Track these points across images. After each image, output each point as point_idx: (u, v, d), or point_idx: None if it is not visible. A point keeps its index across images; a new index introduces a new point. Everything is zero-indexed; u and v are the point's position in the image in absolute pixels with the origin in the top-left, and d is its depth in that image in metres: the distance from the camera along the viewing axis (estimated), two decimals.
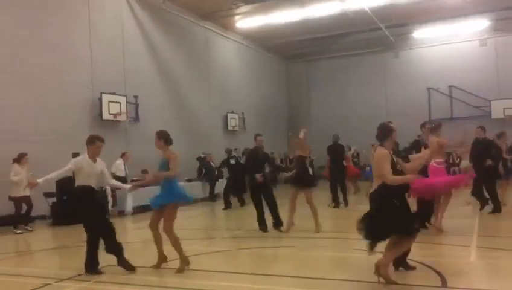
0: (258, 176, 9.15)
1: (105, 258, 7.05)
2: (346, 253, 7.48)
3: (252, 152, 9.87)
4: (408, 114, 21.77)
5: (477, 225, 9.01)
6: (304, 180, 9.12)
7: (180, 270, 6.33)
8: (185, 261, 6.44)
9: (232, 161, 15.24)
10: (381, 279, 5.01)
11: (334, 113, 25.98)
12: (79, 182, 6.69)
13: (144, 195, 14.33)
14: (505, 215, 10.51)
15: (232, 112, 21.97)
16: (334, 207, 12.95)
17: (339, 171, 13.34)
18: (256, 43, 24.61)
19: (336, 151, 13.44)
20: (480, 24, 22.25)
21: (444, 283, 5.08)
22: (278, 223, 9.31)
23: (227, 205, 14.26)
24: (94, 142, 6.80)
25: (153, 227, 6.67)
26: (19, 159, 10.57)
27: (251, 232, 9.52)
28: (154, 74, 17.62)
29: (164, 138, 6.67)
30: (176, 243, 6.44)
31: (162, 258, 6.66)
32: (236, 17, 20.65)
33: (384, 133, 5.16)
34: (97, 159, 6.85)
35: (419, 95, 24.12)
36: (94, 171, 6.78)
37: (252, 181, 9.43)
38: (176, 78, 18.75)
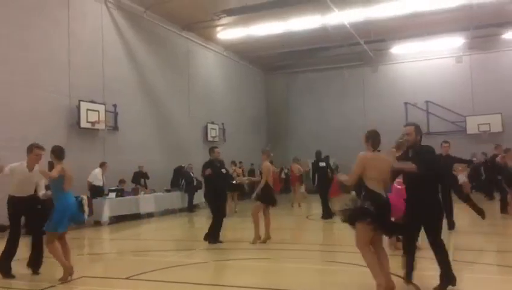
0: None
1: (82, 270, 6.89)
2: (322, 265, 7.49)
3: (207, 165, 9.73)
4: (385, 128, 22.06)
5: (453, 239, 9.14)
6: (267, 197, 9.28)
7: (63, 279, 6.30)
8: (67, 270, 6.39)
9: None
10: None
11: (313, 126, 26.21)
12: (11, 188, 6.77)
13: (121, 205, 14.23)
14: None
15: (212, 123, 21.93)
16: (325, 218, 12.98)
17: (325, 185, 13.54)
18: (237, 55, 24.72)
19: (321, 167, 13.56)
20: (456, 41, 22.85)
21: None
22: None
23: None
24: (32, 150, 6.76)
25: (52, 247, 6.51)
26: None
27: (231, 244, 9.47)
28: (134, 83, 17.49)
29: (54, 153, 6.53)
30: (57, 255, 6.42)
31: (68, 270, 6.46)
32: (218, 28, 20.72)
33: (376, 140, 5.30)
34: (35, 169, 6.79)
35: (397, 110, 24.54)
36: (27, 179, 6.76)
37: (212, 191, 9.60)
38: (156, 87, 18.64)
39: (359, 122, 24.04)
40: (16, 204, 6.74)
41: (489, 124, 22.72)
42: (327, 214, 12.96)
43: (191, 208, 16.58)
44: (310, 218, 13.64)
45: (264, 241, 9.20)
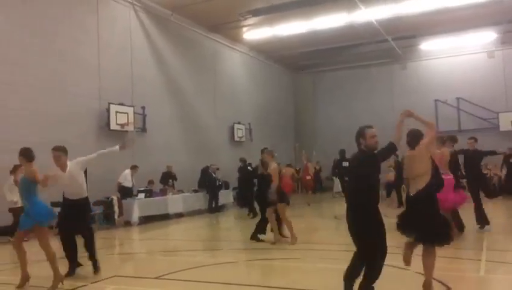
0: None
1: (113, 269, 7.03)
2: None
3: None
4: (415, 126, 21.68)
5: (486, 238, 8.89)
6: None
7: (53, 288, 6.08)
8: (58, 278, 6.15)
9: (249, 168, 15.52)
10: None
11: (340, 124, 25.90)
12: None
13: (150, 205, 14.44)
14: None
15: (239, 123, 22.00)
16: None
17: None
18: (263, 55, 24.72)
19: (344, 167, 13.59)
20: (487, 36, 22.21)
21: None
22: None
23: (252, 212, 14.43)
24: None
25: (16, 245, 6.35)
26: (14, 170, 10.46)
27: (258, 244, 9.47)
28: (162, 85, 17.72)
29: (23, 155, 6.28)
30: (52, 259, 6.12)
31: (25, 278, 6.28)
32: (244, 29, 20.78)
33: (415, 138, 5.31)
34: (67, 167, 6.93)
35: (427, 107, 23.95)
36: (63, 180, 6.85)
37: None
38: (183, 89, 18.83)
39: (388, 120, 23.52)
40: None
41: None
42: None
43: (212, 209, 16.59)
44: (338, 217, 13.51)
45: (275, 243, 9.17)
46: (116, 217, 13.59)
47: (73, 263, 6.95)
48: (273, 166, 9.37)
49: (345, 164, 13.46)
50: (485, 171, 12.92)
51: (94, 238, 7.19)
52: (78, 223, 6.98)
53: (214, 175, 17.06)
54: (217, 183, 17.03)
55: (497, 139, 21.06)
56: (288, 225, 9.24)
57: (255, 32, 20.77)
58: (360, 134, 4.87)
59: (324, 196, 22.04)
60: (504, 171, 18.65)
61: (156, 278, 6.71)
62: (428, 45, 23.60)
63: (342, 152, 13.75)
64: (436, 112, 24.15)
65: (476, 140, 10.29)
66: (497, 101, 22.73)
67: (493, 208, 14.24)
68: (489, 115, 22.88)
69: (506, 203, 16.10)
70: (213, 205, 16.72)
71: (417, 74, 24.94)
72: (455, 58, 23.92)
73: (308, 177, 18.56)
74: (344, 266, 7.36)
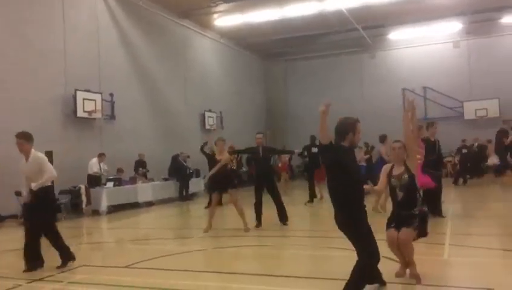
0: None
1: (81, 259, 6.92)
2: (321, 251, 7.52)
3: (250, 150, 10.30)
4: (383, 114, 22.13)
5: (450, 223, 9.19)
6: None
7: None
8: None
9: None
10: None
11: (312, 113, 25.98)
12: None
13: (119, 194, 14.25)
14: (477, 215, 10.80)
15: (210, 111, 21.86)
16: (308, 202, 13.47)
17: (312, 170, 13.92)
18: (235, 42, 24.55)
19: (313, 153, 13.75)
20: (453, 26, 22.72)
21: (419, 280, 5.15)
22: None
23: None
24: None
25: None
26: None
27: (229, 231, 9.51)
28: (131, 71, 17.38)
29: None
30: None
31: None
32: (215, 16, 20.54)
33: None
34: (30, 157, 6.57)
35: (394, 96, 24.46)
36: (23, 168, 6.63)
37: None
38: (153, 75, 18.53)
39: (358, 108, 23.96)
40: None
41: (486, 109, 22.71)
42: (311, 198, 13.55)
43: (183, 197, 16.53)
44: (308, 205, 13.68)
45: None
46: (83, 206, 13.36)
47: (33, 256, 6.48)
48: (226, 156, 9.47)
49: (314, 149, 13.66)
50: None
51: (58, 236, 6.74)
52: (37, 215, 6.53)
53: (184, 163, 16.94)
54: (188, 171, 16.93)
55: (462, 127, 21.76)
56: (240, 212, 9.31)
57: (226, 19, 20.58)
58: (352, 127, 4.49)
59: (296, 183, 22.25)
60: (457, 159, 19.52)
61: (126, 267, 6.64)
62: (396, 35, 23.97)
63: (313, 138, 13.90)
64: (403, 100, 24.59)
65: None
66: (462, 90, 23.36)
67: (456, 194, 14.72)
68: (455, 103, 23.51)
69: (469, 189, 16.65)
70: (184, 193, 16.64)
71: (386, 63, 25.34)
72: (422, 47, 24.40)
73: (280, 165, 18.68)
74: (314, 251, 7.51)
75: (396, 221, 5.17)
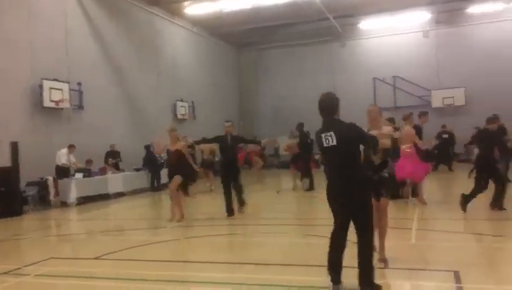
0: None
1: (49, 251, 6.79)
2: (296, 239, 7.60)
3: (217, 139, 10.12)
4: (354, 103, 22.36)
5: (417, 208, 9.41)
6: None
7: None
8: None
9: None
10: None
11: (284, 102, 26.21)
12: None
13: (89, 185, 13.99)
14: (444, 200, 11.09)
15: (182, 100, 21.63)
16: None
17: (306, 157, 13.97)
18: (207, 31, 24.28)
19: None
20: (422, 16, 23.07)
21: (386, 264, 5.27)
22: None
23: None
24: None
25: None
26: None
27: (201, 221, 9.49)
28: (100, 59, 16.97)
29: None
30: None
31: None
32: (185, 3, 20.24)
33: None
34: None
35: (365, 85, 24.78)
36: None
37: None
38: (123, 64, 18.16)
39: None
40: None
41: (453, 97, 23.24)
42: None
43: (154, 187, 16.39)
44: (281, 193, 13.76)
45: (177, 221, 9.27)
46: (51, 197, 13.07)
47: None
48: (181, 144, 9.50)
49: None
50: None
51: None
52: None
53: (155, 153, 16.75)
54: (159, 162, 16.75)
55: (430, 115, 22.11)
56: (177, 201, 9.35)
57: (197, 7, 20.29)
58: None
59: (268, 172, 22.34)
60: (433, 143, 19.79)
61: (96, 258, 6.54)
62: (367, 24, 24.19)
63: (301, 125, 14.03)
64: (374, 89, 24.98)
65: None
66: (430, 79, 23.81)
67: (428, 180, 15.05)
68: (423, 92, 23.97)
69: (437, 175, 17.06)
70: (155, 184, 16.48)
71: (356, 52, 25.57)
72: (392, 37, 24.70)
73: (249, 150, 18.62)
74: (285, 239, 7.57)
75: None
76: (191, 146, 11.42)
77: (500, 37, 22.64)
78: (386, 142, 5.21)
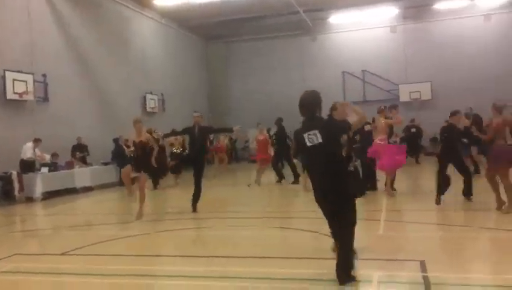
0: None
1: (14, 247, 6.59)
2: (262, 231, 7.63)
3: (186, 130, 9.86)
4: (323, 97, 22.54)
5: (385, 200, 9.61)
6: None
7: None
8: None
9: None
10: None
11: (254, 94, 26.22)
12: None
13: (55, 180, 13.64)
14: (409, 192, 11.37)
15: (151, 93, 21.31)
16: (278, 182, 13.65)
17: (283, 151, 13.84)
18: (176, 23, 23.95)
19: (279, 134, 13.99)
20: (390, 11, 23.45)
21: (355, 254, 5.35)
22: None
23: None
24: None
25: None
26: None
27: (172, 215, 9.41)
28: (65, 50, 16.49)
29: None
30: None
31: None
32: None
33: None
34: None
35: (335, 79, 25.02)
36: None
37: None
38: (90, 56, 17.70)
39: (299, 91, 24.23)
40: None
41: (420, 92, 23.77)
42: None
43: (122, 181, 16.08)
44: (251, 187, 13.79)
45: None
46: (16, 193, 12.68)
47: None
48: (146, 136, 9.25)
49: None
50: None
51: None
52: None
53: (124, 147, 16.46)
54: (128, 155, 16.45)
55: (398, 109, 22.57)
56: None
57: None
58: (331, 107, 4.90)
59: (239, 166, 22.36)
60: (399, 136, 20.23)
61: (62, 254, 6.40)
62: (336, 18, 24.39)
63: (279, 120, 14.05)
64: (343, 83, 25.28)
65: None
66: (398, 73, 24.27)
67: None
68: (391, 86, 24.42)
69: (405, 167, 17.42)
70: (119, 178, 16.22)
71: (326, 47, 25.77)
72: (361, 31, 25.00)
73: (219, 145, 18.56)
74: (255, 232, 7.59)
75: None
76: (158, 140, 11.09)
77: (464, 32, 23.27)
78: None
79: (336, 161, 4.52)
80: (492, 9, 22.87)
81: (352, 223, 4.56)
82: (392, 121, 10.39)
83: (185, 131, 9.93)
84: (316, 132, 4.45)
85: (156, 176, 12.37)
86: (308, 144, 4.48)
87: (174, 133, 11.85)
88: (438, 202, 8.60)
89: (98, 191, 14.91)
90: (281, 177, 13.86)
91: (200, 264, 5.70)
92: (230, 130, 11.12)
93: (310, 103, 4.63)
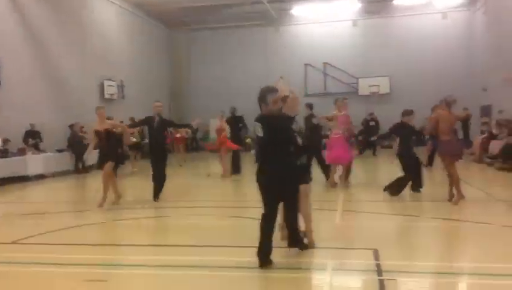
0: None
1: None
2: (224, 221, 7.64)
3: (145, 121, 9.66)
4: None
5: (343, 191, 9.82)
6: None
7: None
8: None
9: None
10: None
11: (217, 83, 26.06)
12: None
13: (5, 167, 13.11)
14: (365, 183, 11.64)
15: (110, 80, 20.75)
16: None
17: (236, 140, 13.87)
18: (138, 8, 23.36)
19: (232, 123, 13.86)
20: (353, 5, 23.79)
21: (312, 245, 5.46)
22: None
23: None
24: None
25: None
26: None
27: (129, 204, 9.25)
28: (19, 33, 15.75)
29: None
30: None
31: None
32: None
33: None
34: None
35: (297, 70, 25.19)
36: None
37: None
38: (46, 39, 16.99)
39: (262, 81, 24.24)
40: None
41: (378, 86, 24.34)
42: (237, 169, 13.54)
43: (79, 170, 15.72)
44: (211, 176, 13.75)
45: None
46: None
47: None
48: (110, 122, 9.22)
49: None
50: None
51: None
52: None
53: (80, 134, 16.02)
54: (84, 143, 16.01)
55: (357, 102, 23.02)
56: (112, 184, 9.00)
57: None
58: (262, 99, 4.81)
59: (199, 155, 22.23)
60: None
61: (13, 243, 6.18)
62: (300, 10, 24.51)
63: (232, 109, 13.96)
64: (305, 75, 25.50)
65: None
66: (358, 67, 24.71)
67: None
68: (351, 80, 24.86)
69: (362, 159, 17.88)
70: (80, 166, 15.79)
71: (289, 38, 25.88)
72: (324, 24, 25.25)
73: (178, 136, 18.36)
74: (212, 221, 7.59)
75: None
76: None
77: (422, 29, 23.98)
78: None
79: (281, 154, 4.80)
80: (449, 7, 23.64)
81: (296, 204, 5.21)
82: (329, 116, 10.40)
83: (145, 121, 9.77)
84: (260, 124, 4.76)
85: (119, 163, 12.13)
86: (257, 133, 4.81)
87: (135, 124, 11.48)
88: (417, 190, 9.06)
89: (52, 179, 14.45)
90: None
91: (156, 253, 5.66)
92: (189, 126, 11.05)
93: (258, 98, 4.89)
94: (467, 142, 19.33)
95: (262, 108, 4.84)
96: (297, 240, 5.32)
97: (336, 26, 25.27)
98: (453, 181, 8.07)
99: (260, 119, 4.79)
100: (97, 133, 8.81)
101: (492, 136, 14.99)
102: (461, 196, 8.09)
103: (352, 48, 24.88)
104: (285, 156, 4.81)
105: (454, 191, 8.12)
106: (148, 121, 9.51)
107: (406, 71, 23.76)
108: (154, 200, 9.19)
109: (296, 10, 24.53)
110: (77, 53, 18.72)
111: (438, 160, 9.91)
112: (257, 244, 4.76)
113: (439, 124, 8.06)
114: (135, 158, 16.26)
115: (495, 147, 13.92)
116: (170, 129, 16.38)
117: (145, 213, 8.38)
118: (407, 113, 9.22)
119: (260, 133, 4.75)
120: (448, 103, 8.19)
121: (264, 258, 4.75)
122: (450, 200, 8.16)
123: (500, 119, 15.62)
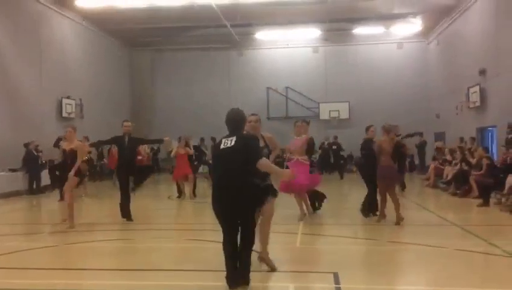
0: None
1: None
2: (183, 243, 7.50)
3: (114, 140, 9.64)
4: (248, 111, 22.84)
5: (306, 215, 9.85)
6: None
7: None
8: None
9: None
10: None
11: (179, 104, 25.92)
12: None
13: None
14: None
15: (68, 98, 20.23)
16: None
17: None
18: (98, 26, 23.05)
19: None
20: (313, 32, 24.42)
21: (273, 269, 5.42)
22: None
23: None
24: None
25: None
26: None
27: (82, 226, 8.93)
28: None
29: None
30: None
31: None
32: None
33: None
34: None
35: (259, 94, 25.50)
36: None
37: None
38: (3, 56, 16.43)
39: (224, 104, 24.37)
40: None
41: (338, 111, 24.93)
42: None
43: (33, 190, 15.15)
44: (171, 198, 13.54)
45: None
46: None
47: None
48: (78, 143, 9.04)
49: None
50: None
51: None
52: None
53: (35, 153, 15.47)
54: (39, 162, 15.48)
55: (318, 126, 23.46)
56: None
57: (88, 0, 19.17)
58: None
59: (160, 177, 21.88)
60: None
61: None
62: (263, 35, 24.91)
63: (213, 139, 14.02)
64: (267, 98, 25.80)
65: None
66: (318, 92, 25.28)
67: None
68: (312, 104, 25.35)
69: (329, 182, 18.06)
70: (34, 186, 15.19)
71: (252, 62, 26.21)
72: (286, 49, 25.78)
73: (140, 158, 17.97)
74: (174, 244, 7.44)
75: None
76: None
77: (380, 57, 24.91)
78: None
79: (245, 171, 4.70)
80: (405, 38, 24.68)
81: (252, 231, 4.85)
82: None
83: (114, 140, 9.59)
84: (234, 138, 4.78)
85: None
86: (222, 146, 4.79)
87: (100, 143, 11.12)
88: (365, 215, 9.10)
89: (3, 200, 13.79)
90: (180, 193, 13.39)
91: (114, 278, 5.47)
92: (160, 142, 10.90)
93: (235, 121, 4.95)
94: (422, 167, 20.00)
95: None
96: (247, 272, 4.80)
97: (297, 51, 25.85)
98: (395, 203, 8.33)
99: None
100: (63, 152, 8.82)
101: (445, 162, 15.55)
102: (400, 218, 8.40)
103: (314, 73, 25.47)
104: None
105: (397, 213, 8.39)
106: (117, 140, 9.39)
107: (365, 98, 24.47)
108: (127, 220, 9.05)
109: (259, 35, 24.93)
110: (34, 68, 18.20)
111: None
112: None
113: (381, 149, 8.38)
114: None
115: (449, 172, 14.43)
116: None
117: (99, 236, 8.10)
118: (368, 127, 9.39)
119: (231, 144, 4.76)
120: (387, 129, 8.52)
121: (227, 281, 4.69)
122: (397, 223, 8.37)
123: (454, 146, 16.23)
